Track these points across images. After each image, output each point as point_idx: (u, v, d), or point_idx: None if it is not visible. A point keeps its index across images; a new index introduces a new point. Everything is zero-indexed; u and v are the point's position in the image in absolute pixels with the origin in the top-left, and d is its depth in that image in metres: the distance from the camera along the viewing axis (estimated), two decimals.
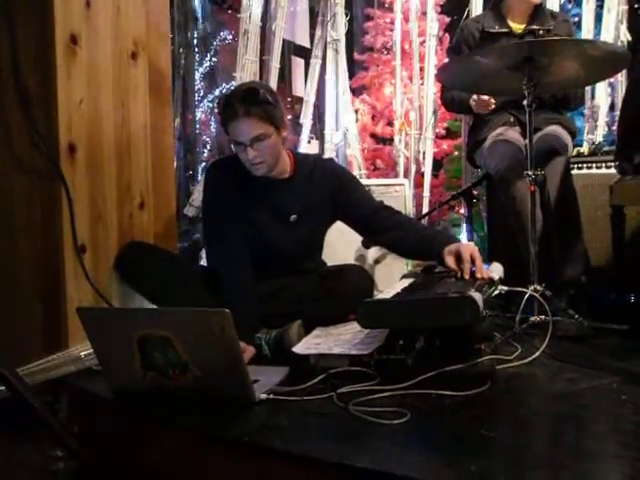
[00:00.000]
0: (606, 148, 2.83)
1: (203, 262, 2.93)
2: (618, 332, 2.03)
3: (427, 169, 3.67)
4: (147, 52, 2.26)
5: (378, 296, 1.71)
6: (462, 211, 3.00)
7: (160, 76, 2.37)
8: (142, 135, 2.23)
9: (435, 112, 3.73)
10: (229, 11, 5.47)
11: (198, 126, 6.11)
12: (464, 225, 3.01)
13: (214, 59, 6.24)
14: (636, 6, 4.00)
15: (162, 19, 2.42)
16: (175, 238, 2.47)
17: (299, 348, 1.78)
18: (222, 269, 1.98)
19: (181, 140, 5.48)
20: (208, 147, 6.15)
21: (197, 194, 3.25)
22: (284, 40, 4.02)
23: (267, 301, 2.02)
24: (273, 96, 1.96)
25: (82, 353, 1.80)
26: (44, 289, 1.90)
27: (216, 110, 2.01)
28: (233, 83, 3.91)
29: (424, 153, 3.68)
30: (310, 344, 1.80)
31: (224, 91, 5.78)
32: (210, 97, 6.23)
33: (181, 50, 5.38)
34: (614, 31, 3.45)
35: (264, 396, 1.45)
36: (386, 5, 4.96)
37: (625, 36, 3.40)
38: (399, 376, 1.51)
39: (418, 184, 3.69)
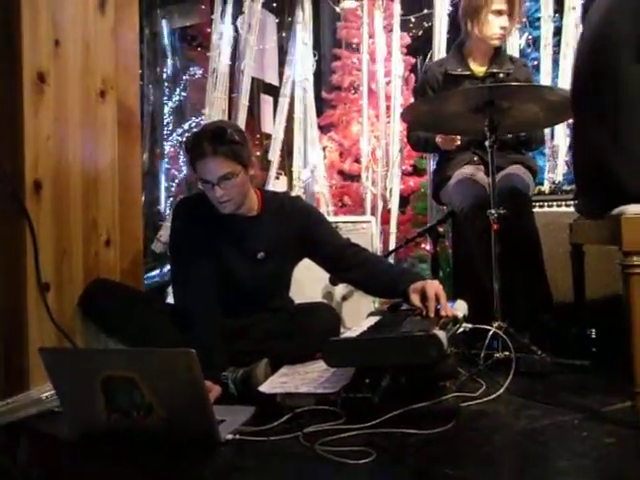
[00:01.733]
0: (566, 187, 2.91)
1: (170, 299, 2.90)
2: (579, 367, 2.07)
3: (394, 206, 3.72)
4: (116, 90, 2.27)
5: (345, 334, 1.73)
6: (428, 248, 3.04)
7: (129, 113, 2.38)
8: (110, 172, 2.23)
9: (401, 150, 3.80)
10: (198, 48, 5.52)
11: (167, 159, 6.11)
12: (430, 262, 3.05)
13: (183, 94, 6.28)
14: None
15: (131, 57, 2.44)
16: (141, 275, 2.46)
17: (265, 387, 1.77)
18: (189, 307, 1.97)
19: (149, 175, 5.47)
20: (177, 181, 6.14)
21: (165, 230, 3.25)
22: (253, 78, 4.09)
23: (235, 339, 2.02)
24: (240, 135, 1.99)
25: (44, 395, 1.76)
26: (6, 328, 1.86)
27: (184, 147, 2.02)
28: (202, 118, 3.95)
29: (391, 190, 3.74)
30: (277, 383, 1.80)
31: (193, 125, 5.81)
32: (179, 131, 6.25)
33: (150, 86, 5.40)
34: (571, 77, 3.57)
35: (230, 436, 1.44)
36: (353, 46, 5.07)
37: None
38: (365, 414, 1.51)
39: (385, 220, 3.73)
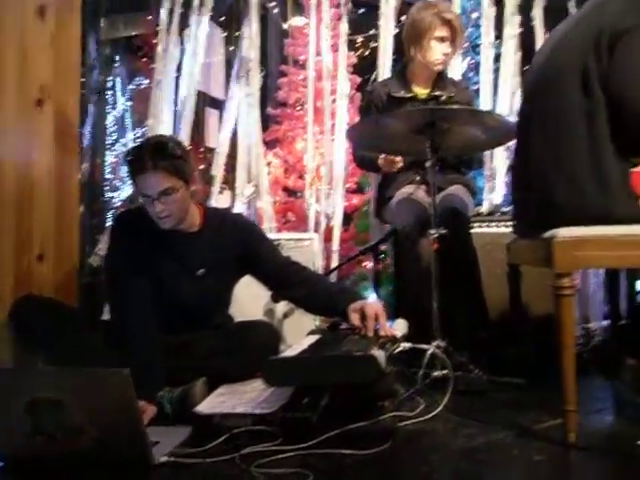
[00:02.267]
0: (504, 208, 2.99)
1: (106, 316, 2.82)
2: (515, 385, 2.11)
3: (337, 223, 3.74)
4: (54, 99, 2.21)
5: (284, 353, 1.71)
6: (370, 266, 3.06)
7: (67, 123, 2.32)
8: (45, 183, 2.17)
9: (345, 168, 3.83)
10: (144, 59, 5.45)
11: (110, 169, 5.99)
12: (371, 280, 3.07)
13: (128, 103, 6.18)
14: None
15: (72, 65, 2.39)
16: (75, 291, 2.39)
17: (202, 407, 1.74)
18: (124, 324, 1.92)
19: (89, 186, 5.33)
20: (118, 192, 6.02)
21: (104, 243, 3.16)
22: (199, 91, 4.05)
23: (173, 357, 1.97)
24: (182, 150, 1.96)
25: None
26: None
27: (125, 160, 1.98)
28: (146, 129, 3.88)
29: (334, 207, 3.76)
30: (214, 403, 1.77)
31: (138, 135, 5.73)
32: (123, 141, 6.14)
33: (93, 95, 5.29)
34: (509, 100, 3.71)
35: (164, 459, 1.40)
36: (300, 63, 5.11)
37: (518, 106, 3.65)
38: (303, 435, 1.50)
39: (328, 238, 3.74)
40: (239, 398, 1.79)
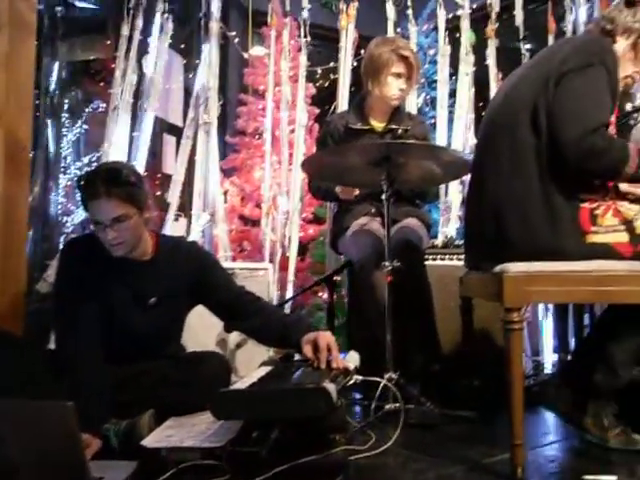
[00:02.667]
0: (458, 241, 3.04)
1: (52, 345, 2.73)
2: (466, 419, 2.12)
3: (292, 253, 3.73)
4: (5, 122, 2.17)
5: (234, 385, 1.68)
6: (325, 296, 3.06)
7: (18, 147, 2.27)
8: None
9: (302, 197, 3.85)
10: (101, 83, 5.39)
11: (64, 193, 5.86)
12: (326, 311, 3.06)
13: (84, 126, 6.09)
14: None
15: (25, 88, 2.35)
16: (21, 319, 2.31)
17: (149, 440, 1.69)
18: (70, 354, 1.86)
19: (40, 210, 5.20)
20: (72, 217, 5.89)
21: (52, 269, 3.07)
22: (157, 117, 4.03)
23: (121, 388, 1.91)
24: (137, 177, 1.94)
25: None
26: None
27: (77, 185, 1.94)
28: (101, 155, 3.83)
29: (290, 237, 3.76)
30: (161, 436, 1.72)
31: (93, 159, 5.64)
32: (78, 164, 6.03)
33: (47, 117, 5.20)
34: (463, 135, 3.80)
35: None
36: (259, 92, 5.13)
37: (472, 141, 3.76)
38: (252, 469, 1.47)
39: (284, 267, 3.73)
40: (187, 431, 1.74)
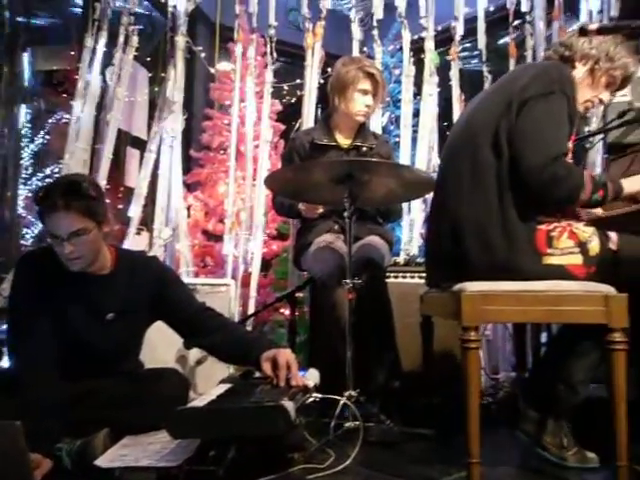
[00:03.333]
0: (420, 259, 3.06)
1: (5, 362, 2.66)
2: (425, 436, 2.13)
3: (255, 269, 3.72)
4: None
5: (192, 403, 1.66)
6: (287, 313, 3.05)
7: None
8: None
9: (266, 214, 3.84)
10: (64, 94, 5.32)
11: (23, 205, 5.74)
12: (287, 328, 3.05)
13: (47, 137, 6.00)
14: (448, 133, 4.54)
15: None
16: None
17: (103, 460, 1.65)
18: (23, 371, 1.82)
19: None
20: (32, 229, 5.77)
21: (8, 283, 3.00)
22: (120, 130, 3.99)
23: (76, 406, 1.88)
24: (97, 190, 1.91)
25: None
26: None
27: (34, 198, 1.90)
28: (61, 167, 3.77)
29: (253, 253, 3.74)
30: (115, 455, 1.68)
31: (55, 171, 5.55)
32: (40, 176, 5.93)
33: (5, 129, 5.10)
34: (427, 155, 3.85)
35: None
36: (224, 107, 5.13)
37: (435, 160, 3.82)
38: None
39: (246, 283, 3.71)
40: (143, 450, 1.71)
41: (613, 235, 1.80)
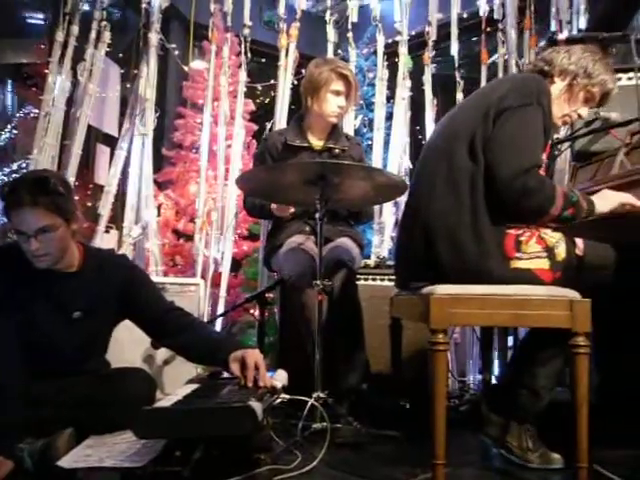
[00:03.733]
0: (390, 262, 3.08)
1: None
2: (391, 438, 2.14)
3: (225, 269, 3.70)
4: None
5: (157, 404, 1.64)
6: (257, 314, 3.04)
7: None
8: None
9: (237, 214, 3.83)
10: (33, 88, 5.24)
11: None
12: (256, 329, 3.03)
13: (15, 131, 5.90)
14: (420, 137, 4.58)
15: None
16: None
17: (66, 461, 1.63)
18: None
19: None
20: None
21: None
22: (91, 127, 3.94)
23: (39, 405, 1.84)
24: (65, 187, 1.88)
25: None
26: None
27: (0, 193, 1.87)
28: (29, 162, 3.71)
29: (223, 253, 3.72)
30: (79, 456, 1.66)
31: (23, 166, 5.46)
32: (6, 171, 5.84)
33: None
34: (399, 158, 3.88)
35: None
36: (197, 106, 5.10)
37: (407, 164, 3.85)
38: None
39: (216, 283, 3.69)
40: (108, 450, 1.69)
41: (579, 241, 1.83)
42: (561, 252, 1.78)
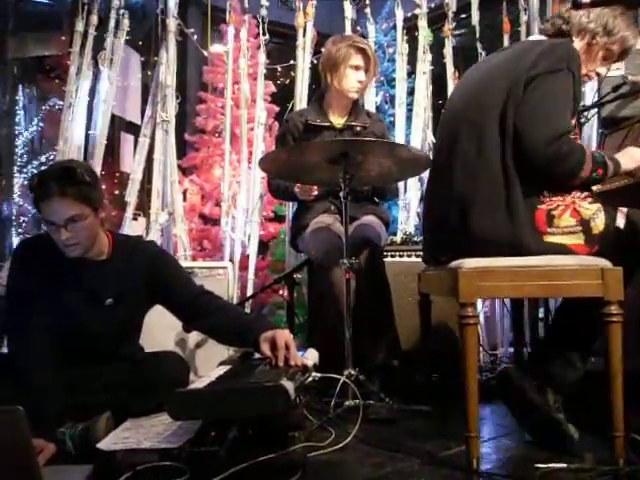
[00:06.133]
0: (417, 238, 3.07)
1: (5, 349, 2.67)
2: (424, 413, 2.15)
3: (252, 252, 3.71)
4: None
5: (192, 385, 1.67)
6: (285, 295, 3.06)
7: None
8: None
9: (262, 196, 3.83)
10: (56, 80, 5.28)
11: (19, 193, 5.73)
12: (286, 309, 3.06)
13: (41, 124, 5.96)
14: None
15: None
16: None
17: (105, 443, 1.67)
18: (21, 358, 1.82)
19: None
20: (29, 216, 5.77)
21: (5, 271, 3.00)
22: (114, 115, 3.96)
23: (77, 390, 1.89)
24: (92, 176, 1.91)
25: None
26: None
27: (29, 185, 1.90)
28: (56, 154, 3.75)
29: (250, 236, 3.73)
30: (118, 438, 1.70)
31: (51, 158, 5.52)
32: (35, 164, 5.91)
33: None
34: (422, 133, 3.84)
35: None
36: (218, 90, 5.10)
37: (430, 138, 3.80)
38: (211, 469, 1.46)
39: (244, 266, 3.71)
40: (145, 433, 1.73)
41: (621, 212, 1.79)
42: (599, 224, 1.74)
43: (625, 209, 1.79)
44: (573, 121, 1.83)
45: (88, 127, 3.71)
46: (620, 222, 1.77)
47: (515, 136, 1.74)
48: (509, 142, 1.75)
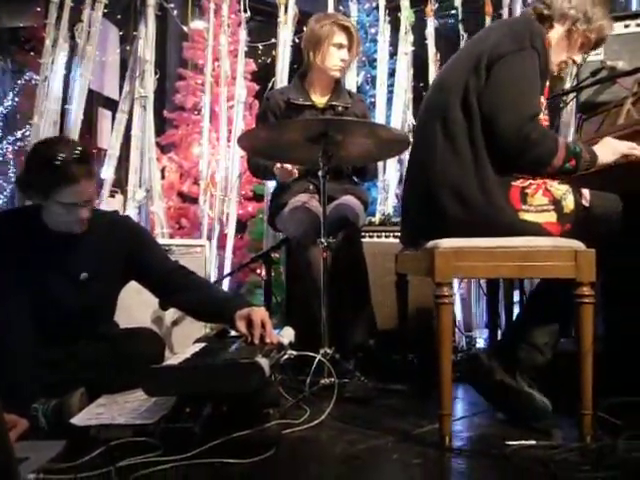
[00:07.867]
0: (395, 219, 3.08)
1: None
2: (398, 392, 2.18)
3: (230, 231, 3.70)
4: None
5: (167, 362, 1.66)
6: (263, 274, 3.06)
7: None
8: None
9: (241, 175, 3.81)
10: (31, 52, 5.17)
11: None
12: (263, 289, 3.06)
13: (16, 99, 5.84)
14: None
15: None
16: None
17: (79, 419, 1.66)
18: None
19: None
20: (5, 193, 5.68)
21: None
22: (92, 90, 3.89)
23: (53, 367, 1.88)
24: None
25: None
26: None
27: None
28: (30, 129, 3.69)
29: (228, 214, 3.72)
30: (92, 414, 1.69)
31: (27, 134, 5.42)
32: (10, 139, 5.80)
33: None
34: (402, 114, 3.83)
35: (32, 476, 1.31)
36: (198, 67, 5.04)
37: (410, 120, 3.80)
38: (185, 445, 1.46)
39: (222, 245, 3.70)
40: (119, 409, 1.72)
41: (585, 192, 1.81)
42: (569, 204, 1.76)
43: (587, 190, 1.81)
44: (542, 99, 1.84)
45: (65, 102, 3.64)
46: (585, 202, 1.79)
47: (484, 120, 1.75)
48: (476, 124, 1.75)
